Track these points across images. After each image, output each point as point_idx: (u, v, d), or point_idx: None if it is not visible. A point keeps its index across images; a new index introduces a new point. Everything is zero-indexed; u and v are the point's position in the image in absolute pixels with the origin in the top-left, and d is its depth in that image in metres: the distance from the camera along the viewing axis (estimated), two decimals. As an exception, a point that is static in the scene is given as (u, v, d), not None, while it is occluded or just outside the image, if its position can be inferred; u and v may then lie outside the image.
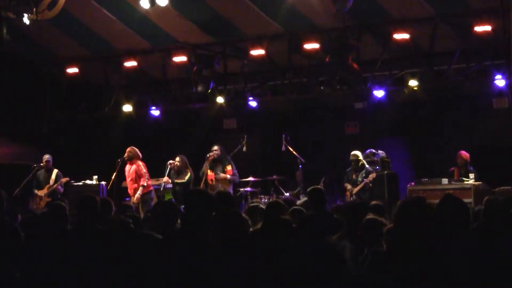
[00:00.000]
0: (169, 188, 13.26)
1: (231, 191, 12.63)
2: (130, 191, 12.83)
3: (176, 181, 12.96)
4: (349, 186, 13.02)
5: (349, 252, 5.49)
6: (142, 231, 5.91)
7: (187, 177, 12.89)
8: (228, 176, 12.73)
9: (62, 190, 13.71)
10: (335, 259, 4.62)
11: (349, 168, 13.15)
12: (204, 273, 4.62)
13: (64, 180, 13.71)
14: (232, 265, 4.57)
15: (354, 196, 12.73)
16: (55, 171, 13.73)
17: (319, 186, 8.72)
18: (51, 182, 13.61)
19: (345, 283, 4.44)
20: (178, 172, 13.02)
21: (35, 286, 5.38)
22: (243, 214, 6.28)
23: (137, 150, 12.91)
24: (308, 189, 7.85)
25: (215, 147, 12.91)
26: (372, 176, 12.69)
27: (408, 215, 3.92)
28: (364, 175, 12.83)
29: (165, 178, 13.06)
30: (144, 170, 12.74)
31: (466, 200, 7.01)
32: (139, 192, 12.60)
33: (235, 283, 4.52)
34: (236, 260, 4.59)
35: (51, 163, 13.74)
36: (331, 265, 4.56)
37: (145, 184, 12.66)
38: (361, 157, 13.02)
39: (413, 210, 3.95)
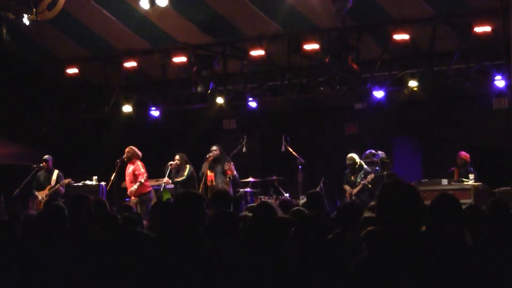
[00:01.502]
0: (169, 188, 13.27)
1: (231, 191, 12.62)
2: (128, 192, 12.80)
3: (176, 180, 12.93)
4: (348, 188, 13.01)
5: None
6: (136, 229, 5.91)
7: (186, 172, 12.87)
8: (234, 172, 12.64)
9: (63, 191, 13.63)
10: (332, 260, 4.61)
11: (347, 170, 13.14)
12: (199, 272, 4.63)
13: (66, 181, 13.63)
14: (225, 264, 4.57)
15: (353, 197, 12.73)
16: (56, 171, 13.66)
17: (317, 190, 8.80)
18: (52, 183, 13.51)
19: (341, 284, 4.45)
20: (178, 169, 12.99)
21: (33, 286, 5.38)
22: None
23: (135, 149, 12.89)
24: (307, 193, 7.96)
25: (214, 147, 12.90)
26: (370, 177, 12.68)
27: (391, 199, 3.80)
28: (362, 175, 12.82)
29: (165, 179, 13.06)
30: (142, 169, 12.70)
31: (466, 201, 7.05)
32: (135, 186, 12.52)
33: (230, 283, 4.53)
34: (229, 259, 4.59)
35: (50, 163, 13.65)
36: (327, 265, 4.56)
37: (142, 181, 12.60)
38: (357, 159, 13.02)
39: (397, 194, 3.81)
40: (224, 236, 4.75)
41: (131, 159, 12.77)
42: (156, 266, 4.94)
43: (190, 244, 4.80)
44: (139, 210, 12.12)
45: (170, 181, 13.08)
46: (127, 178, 12.82)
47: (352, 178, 13.00)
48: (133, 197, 12.62)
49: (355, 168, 12.94)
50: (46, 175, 13.61)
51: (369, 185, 12.63)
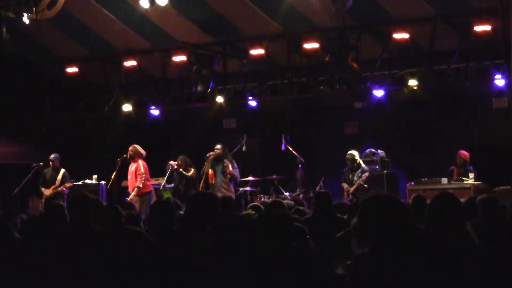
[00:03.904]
0: (168, 187, 13.29)
1: (232, 189, 12.63)
2: (130, 189, 12.84)
3: (182, 171, 12.88)
4: (346, 186, 13.02)
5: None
6: (132, 227, 5.93)
7: (190, 173, 12.91)
8: (230, 168, 12.63)
9: (67, 192, 13.59)
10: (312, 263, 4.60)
11: (346, 168, 13.16)
12: (200, 273, 4.63)
13: (68, 185, 13.59)
14: (228, 266, 4.57)
15: (350, 195, 12.73)
16: (62, 171, 13.64)
17: (325, 190, 8.90)
18: (57, 182, 13.53)
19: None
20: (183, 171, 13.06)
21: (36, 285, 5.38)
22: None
23: (139, 148, 12.90)
24: (316, 192, 8.07)
25: (218, 146, 12.86)
26: (365, 175, 12.68)
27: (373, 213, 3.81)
28: (360, 174, 12.83)
29: (165, 178, 13.12)
30: (142, 170, 12.70)
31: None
32: (133, 193, 12.61)
33: (231, 283, 4.53)
34: (232, 261, 4.60)
35: (57, 163, 13.62)
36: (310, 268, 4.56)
37: (140, 186, 12.63)
38: (357, 157, 13.03)
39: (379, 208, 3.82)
40: (226, 237, 4.76)
41: (134, 157, 12.80)
42: (157, 265, 4.94)
43: (196, 245, 4.81)
44: (138, 209, 12.16)
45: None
46: (129, 176, 12.85)
47: (350, 176, 13.02)
48: (132, 196, 12.67)
49: (354, 166, 12.96)
50: (52, 174, 13.61)
51: (365, 185, 12.64)
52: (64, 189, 13.49)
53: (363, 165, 12.98)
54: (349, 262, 4.89)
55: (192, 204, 5.31)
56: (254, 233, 4.77)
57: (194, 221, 5.12)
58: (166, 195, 13.01)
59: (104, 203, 7.29)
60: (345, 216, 7.42)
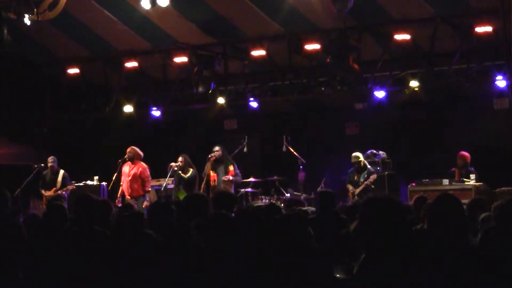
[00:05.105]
0: (170, 188, 13.30)
1: (233, 191, 12.64)
2: (126, 190, 12.82)
3: (180, 173, 12.92)
4: (351, 187, 13.02)
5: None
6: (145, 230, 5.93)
7: (188, 174, 12.91)
8: (231, 178, 12.69)
9: (67, 194, 13.56)
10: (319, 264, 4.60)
11: (351, 169, 13.15)
12: (196, 274, 4.63)
13: (70, 187, 13.59)
14: (222, 266, 4.57)
15: (356, 197, 12.73)
16: (61, 172, 13.63)
17: (328, 190, 8.92)
18: (58, 184, 13.53)
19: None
20: (181, 171, 13.05)
21: (37, 285, 5.38)
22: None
23: (137, 149, 12.93)
24: (318, 191, 8.09)
25: (217, 148, 12.90)
26: (373, 177, 12.71)
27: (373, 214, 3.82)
28: (366, 176, 12.84)
29: (167, 180, 13.13)
30: (148, 173, 12.78)
31: (467, 201, 7.05)
32: (147, 199, 12.66)
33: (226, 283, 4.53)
34: (226, 261, 4.60)
35: (55, 165, 13.61)
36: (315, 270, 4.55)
37: (149, 190, 12.72)
38: (362, 158, 13.03)
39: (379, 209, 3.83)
40: (219, 237, 4.76)
41: (133, 159, 12.81)
42: (155, 265, 4.94)
43: (185, 245, 4.82)
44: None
45: (170, 181, 13.13)
46: (128, 178, 12.82)
47: (355, 177, 13.02)
48: (128, 197, 12.68)
49: (360, 167, 12.96)
50: (51, 176, 13.59)
51: (372, 186, 12.65)
52: (65, 192, 13.47)
53: (369, 167, 13.00)
54: (349, 263, 4.90)
55: (184, 206, 5.32)
56: (255, 233, 4.77)
57: (185, 223, 5.12)
58: (181, 196, 12.99)
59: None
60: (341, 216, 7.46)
